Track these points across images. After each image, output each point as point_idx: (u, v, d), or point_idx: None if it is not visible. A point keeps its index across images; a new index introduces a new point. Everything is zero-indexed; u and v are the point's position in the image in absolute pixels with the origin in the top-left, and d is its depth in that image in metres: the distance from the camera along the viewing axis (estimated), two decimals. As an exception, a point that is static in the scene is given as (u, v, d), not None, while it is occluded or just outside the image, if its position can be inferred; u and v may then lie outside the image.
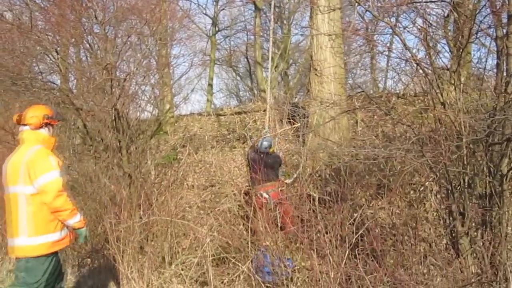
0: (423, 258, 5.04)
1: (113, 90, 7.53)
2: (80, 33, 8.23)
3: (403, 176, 5.65)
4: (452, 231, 4.68)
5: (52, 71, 8.74)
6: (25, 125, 4.28)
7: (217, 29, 22.52)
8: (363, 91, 6.52)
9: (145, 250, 6.44)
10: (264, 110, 12.39)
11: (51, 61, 8.28)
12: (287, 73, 24.74)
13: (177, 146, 13.15)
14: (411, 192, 7.32)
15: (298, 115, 10.45)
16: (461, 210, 4.51)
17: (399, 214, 6.32)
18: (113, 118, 7.59)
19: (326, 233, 4.71)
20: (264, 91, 17.44)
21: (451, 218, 4.65)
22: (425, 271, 4.95)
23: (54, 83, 8.45)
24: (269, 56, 14.14)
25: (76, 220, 4.23)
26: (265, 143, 7.68)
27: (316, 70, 9.92)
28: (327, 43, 9.64)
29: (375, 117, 9.94)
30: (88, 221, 7.09)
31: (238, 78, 28.21)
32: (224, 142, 12.92)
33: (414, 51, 4.63)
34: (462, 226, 4.47)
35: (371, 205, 6.99)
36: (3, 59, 7.89)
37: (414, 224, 5.75)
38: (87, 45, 8.25)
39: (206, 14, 22.40)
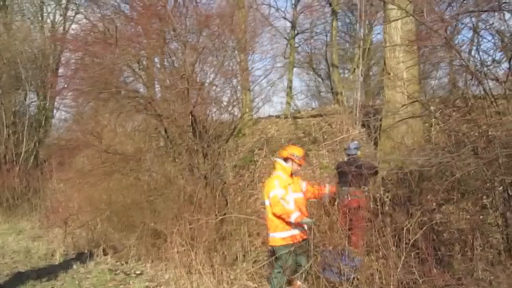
0: (489, 265, 5.05)
1: (190, 97, 7.99)
2: (160, 45, 8.79)
3: (463, 182, 5.62)
4: (508, 238, 4.67)
5: (136, 81, 9.37)
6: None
7: (296, 32, 22.70)
8: (417, 100, 6.44)
9: (217, 248, 6.84)
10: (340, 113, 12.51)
11: (133, 72, 8.91)
12: (368, 74, 24.42)
13: (254, 149, 13.52)
14: (483, 197, 7.18)
15: (372, 118, 10.47)
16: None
17: (469, 220, 6.27)
18: (190, 123, 8.07)
19: (381, 235, 4.86)
20: (340, 93, 17.43)
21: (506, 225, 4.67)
22: (491, 277, 4.95)
23: (137, 92, 9.04)
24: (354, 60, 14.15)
25: (294, 217, 5.68)
26: (352, 145, 7.95)
27: (388, 74, 9.88)
28: (400, 47, 9.55)
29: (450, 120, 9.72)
30: (166, 219, 7.65)
31: (320, 79, 28.18)
32: (299, 145, 13.12)
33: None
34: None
35: (440, 209, 6.94)
36: (92, 70, 8.61)
37: (482, 230, 5.74)
38: (168, 56, 8.79)
39: (285, 18, 22.66)
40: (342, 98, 12.74)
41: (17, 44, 18.66)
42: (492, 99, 4.36)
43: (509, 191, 4.56)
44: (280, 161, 6.08)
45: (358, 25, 13.85)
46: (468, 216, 6.37)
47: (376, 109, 12.25)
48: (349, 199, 6.95)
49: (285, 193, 5.84)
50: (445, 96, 7.89)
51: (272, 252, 6.09)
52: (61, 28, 23.29)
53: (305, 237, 5.83)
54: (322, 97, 29.01)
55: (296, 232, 5.79)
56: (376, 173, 7.65)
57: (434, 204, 7.03)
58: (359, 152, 7.85)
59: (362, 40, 13.70)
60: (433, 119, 10.26)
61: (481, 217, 6.25)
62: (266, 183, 6.02)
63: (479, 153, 4.45)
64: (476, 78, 4.44)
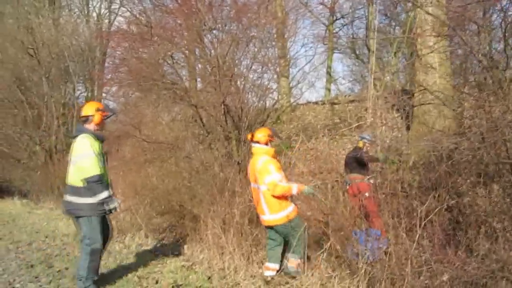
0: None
1: (222, 87, 8.37)
2: (197, 37, 9.18)
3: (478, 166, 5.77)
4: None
5: (174, 73, 9.83)
6: (256, 142, 6.13)
7: (335, 17, 22.72)
8: (425, 88, 6.52)
9: (248, 231, 7.20)
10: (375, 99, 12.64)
11: (172, 64, 9.37)
12: (411, 57, 24.08)
13: (291, 135, 13.82)
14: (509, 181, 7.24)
15: (405, 102, 10.61)
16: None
17: (496, 203, 6.40)
18: (223, 112, 8.46)
19: (393, 217, 5.10)
20: (376, 79, 17.43)
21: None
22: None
23: (175, 83, 9.48)
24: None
25: (295, 190, 5.93)
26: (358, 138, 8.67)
27: (420, 58, 9.97)
28: (431, 30, 9.57)
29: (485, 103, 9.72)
30: (203, 204, 8.07)
31: (362, 64, 28.03)
32: (335, 131, 13.34)
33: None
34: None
35: (469, 193, 7.06)
36: (131, 64, 9.12)
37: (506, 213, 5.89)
38: (202, 47, 9.19)
39: (323, 4, 22.67)
40: (374, 83, 12.82)
41: (65, 39, 19.48)
42: (498, 86, 4.52)
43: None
44: (260, 146, 6.10)
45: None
46: (494, 199, 6.52)
47: (410, 94, 12.31)
48: (350, 184, 7.77)
49: (282, 175, 6.01)
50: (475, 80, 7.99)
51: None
52: (106, 21, 24.13)
53: (295, 213, 6.00)
54: (365, 82, 28.88)
55: (291, 209, 5.94)
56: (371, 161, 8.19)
57: (461, 187, 7.17)
58: (360, 143, 8.41)
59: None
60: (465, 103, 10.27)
61: (507, 200, 6.37)
62: (259, 170, 5.95)
63: (486, 138, 4.63)
64: (483, 66, 4.60)
